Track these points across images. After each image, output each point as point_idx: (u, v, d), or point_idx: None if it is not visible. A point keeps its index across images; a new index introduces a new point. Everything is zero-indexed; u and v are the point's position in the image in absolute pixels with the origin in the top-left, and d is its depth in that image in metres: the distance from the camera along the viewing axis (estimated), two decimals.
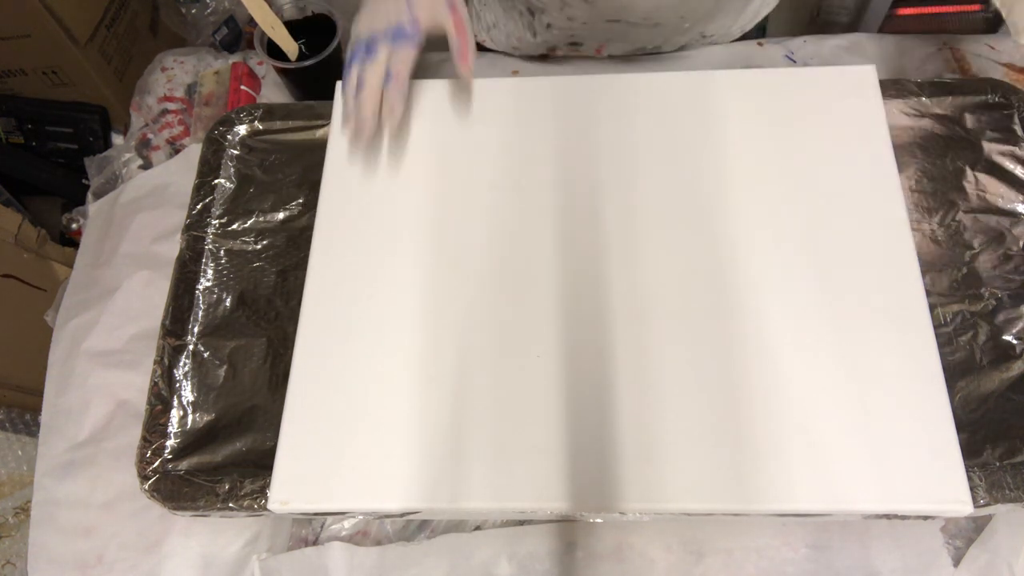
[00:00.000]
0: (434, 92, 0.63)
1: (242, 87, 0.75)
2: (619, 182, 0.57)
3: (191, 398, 0.57)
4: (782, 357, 0.50)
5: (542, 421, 0.49)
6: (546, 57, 0.78)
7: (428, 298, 0.54)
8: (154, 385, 0.56)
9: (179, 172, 0.72)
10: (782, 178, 0.56)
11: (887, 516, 0.48)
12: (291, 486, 0.49)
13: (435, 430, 0.49)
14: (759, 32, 0.80)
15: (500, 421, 0.49)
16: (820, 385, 0.49)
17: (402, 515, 0.51)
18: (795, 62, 0.73)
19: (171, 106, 0.78)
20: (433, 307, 0.54)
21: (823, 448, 0.47)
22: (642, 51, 0.74)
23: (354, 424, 0.50)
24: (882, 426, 0.47)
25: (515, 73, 0.76)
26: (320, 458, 0.49)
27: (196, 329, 0.59)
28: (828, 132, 0.58)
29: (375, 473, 0.49)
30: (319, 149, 0.61)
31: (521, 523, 0.55)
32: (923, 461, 0.46)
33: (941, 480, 0.46)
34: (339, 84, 0.62)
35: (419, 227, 0.57)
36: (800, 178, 0.56)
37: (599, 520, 0.50)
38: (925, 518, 0.49)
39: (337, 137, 0.61)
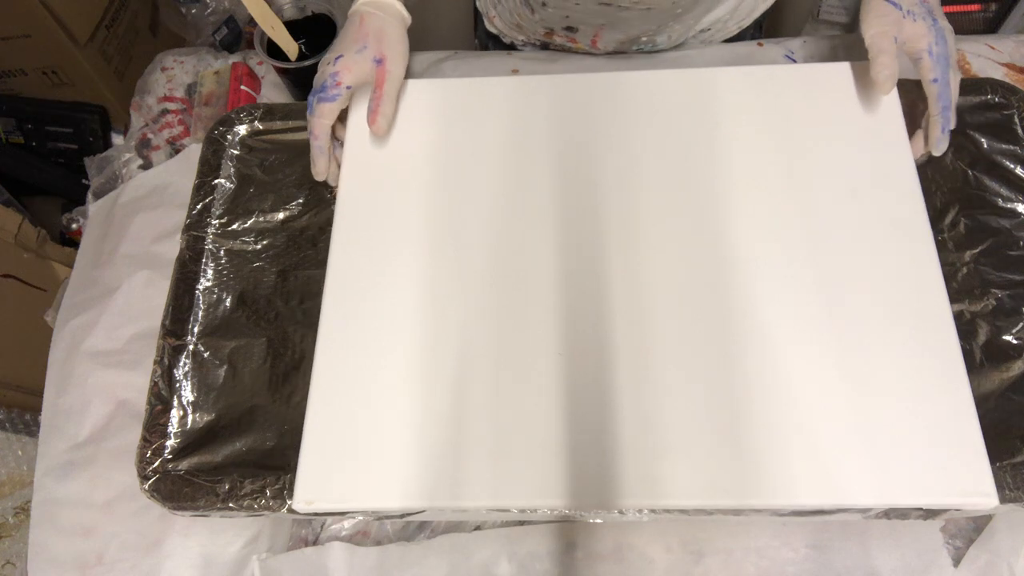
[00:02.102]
0: (434, 92, 0.63)
1: (242, 87, 0.75)
2: (621, 181, 0.57)
3: (191, 398, 0.57)
4: (796, 354, 0.50)
5: (544, 419, 0.49)
6: (547, 46, 0.78)
7: (428, 300, 0.54)
8: (154, 385, 0.56)
9: (179, 172, 0.72)
10: (795, 175, 0.56)
11: (903, 512, 0.48)
12: (316, 486, 0.49)
13: (450, 429, 0.49)
14: (756, 30, 0.80)
15: (508, 419, 0.49)
16: (839, 380, 0.49)
17: (408, 514, 0.51)
18: (795, 62, 0.73)
19: (171, 106, 0.78)
20: (433, 308, 0.54)
21: (848, 443, 0.47)
22: (638, 45, 0.74)
23: (372, 425, 0.50)
24: (904, 421, 0.47)
25: (515, 72, 0.76)
26: (342, 458, 0.49)
27: (196, 329, 0.59)
28: (843, 127, 0.58)
29: (394, 473, 0.49)
30: None
31: (521, 523, 0.55)
32: (946, 454, 0.46)
33: (964, 473, 0.46)
34: None
35: (420, 230, 0.57)
36: (815, 175, 0.56)
37: (599, 520, 0.50)
38: (926, 518, 0.49)
39: (352, 143, 0.61)
